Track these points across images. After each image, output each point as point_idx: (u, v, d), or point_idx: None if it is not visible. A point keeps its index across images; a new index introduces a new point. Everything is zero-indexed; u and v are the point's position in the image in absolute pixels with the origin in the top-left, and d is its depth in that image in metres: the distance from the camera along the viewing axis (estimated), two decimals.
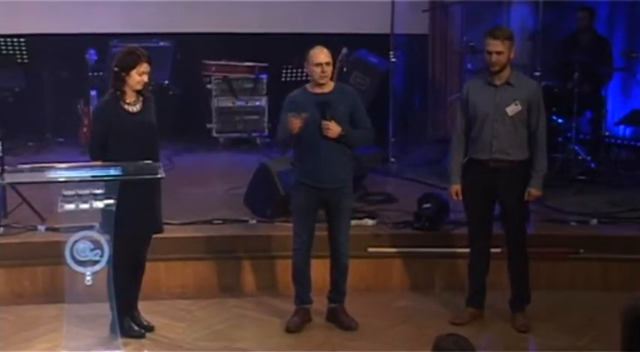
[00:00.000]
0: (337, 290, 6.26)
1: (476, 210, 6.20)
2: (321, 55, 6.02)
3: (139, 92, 5.81)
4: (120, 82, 5.76)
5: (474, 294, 6.34)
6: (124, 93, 5.78)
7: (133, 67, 5.72)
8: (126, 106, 5.79)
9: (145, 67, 5.75)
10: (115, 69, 5.77)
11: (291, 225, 6.30)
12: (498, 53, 5.94)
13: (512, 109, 6.00)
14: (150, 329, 6.06)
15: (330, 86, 6.11)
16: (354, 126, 6.09)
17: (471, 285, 6.35)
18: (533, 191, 6.07)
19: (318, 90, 6.05)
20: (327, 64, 6.03)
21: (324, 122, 5.95)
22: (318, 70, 5.99)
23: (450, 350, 3.34)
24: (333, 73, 6.19)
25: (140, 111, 5.83)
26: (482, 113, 6.05)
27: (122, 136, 5.73)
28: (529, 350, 6.07)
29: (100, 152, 5.74)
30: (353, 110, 6.09)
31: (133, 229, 5.70)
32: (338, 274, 6.23)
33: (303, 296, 6.21)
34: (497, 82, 6.04)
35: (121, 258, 5.59)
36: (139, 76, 5.74)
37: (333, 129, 5.96)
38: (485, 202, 6.16)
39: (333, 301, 6.28)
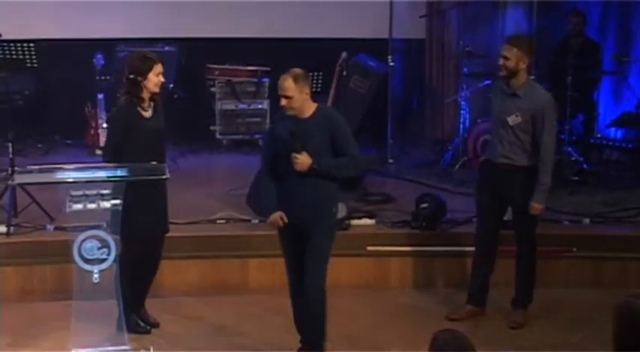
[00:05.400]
0: (309, 334, 5.64)
1: (484, 209, 6.28)
2: (281, 84, 5.33)
3: (150, 98, 5.85)
4: (137, 87, 5.77)
5: (474, 292, 6.37)
6: (141, 99, 5.81)
7: (150, 70, 5.76)
8: (142, 112, 5.84)
9: (159, 67, 5.80)
10: (131, 76, 5.76)
11: None
12: (505, 58, 6.00)
13: (512, 120, 6.06)
14: (155, 325, 6.14)
15: (311, 109, 5.40)
16: (338, 153, 5.40)
17: (472, 283, 6.39)
18: (535, 205, 6.08)
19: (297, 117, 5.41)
20: (286, 97, 5.28)
21: (293, 154, 5.30)
22: (281, 99, 5.37)
23: (448, 346, 3.30)
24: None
25: (152, 117, 5.88)
26: (493, 117, 6.21)
27: (136, 141, 5.77)
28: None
29: (114, 156, 5.74)
30: (335, 136, 5.36)
31: (140, 229, 5.77)
32: (309, 318, 5.56)
33: None
34: (508, 91, 6.10)
35: (128, 256, 5.69)
36: (156, 77, 5.78)
37: (302, 161, 5.28)
38: (494, 202, 6.21)
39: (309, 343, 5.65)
